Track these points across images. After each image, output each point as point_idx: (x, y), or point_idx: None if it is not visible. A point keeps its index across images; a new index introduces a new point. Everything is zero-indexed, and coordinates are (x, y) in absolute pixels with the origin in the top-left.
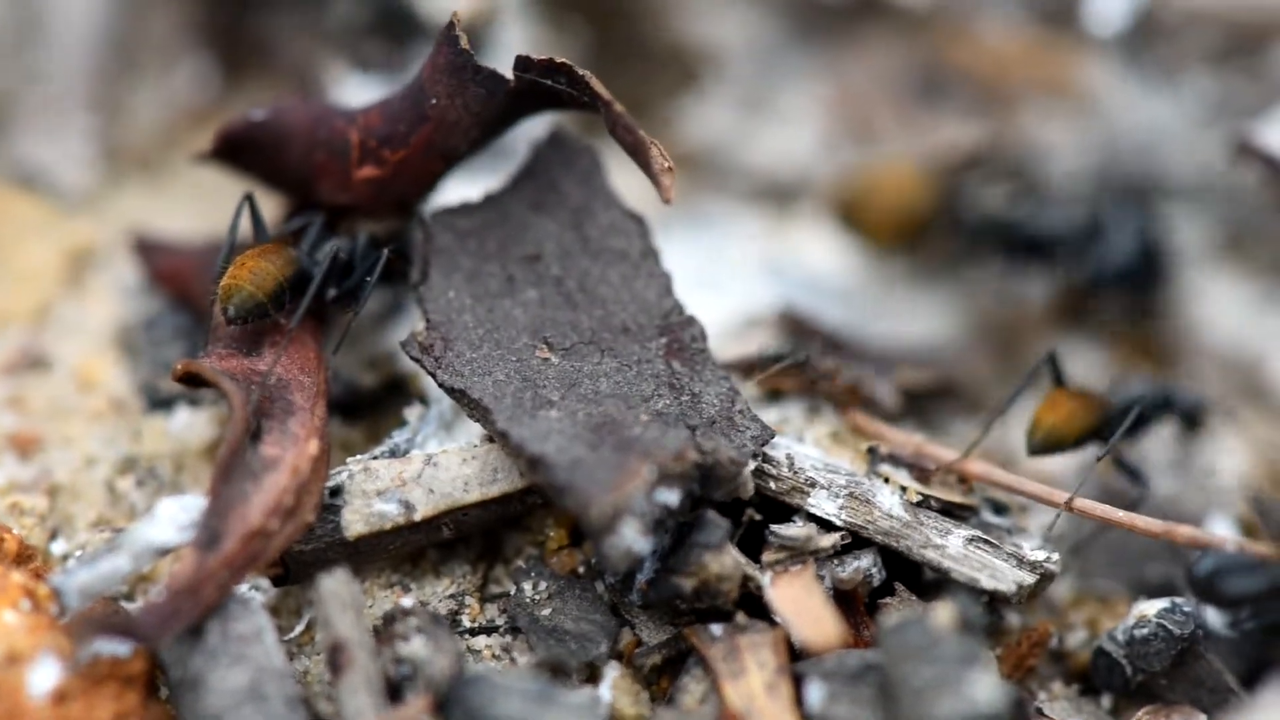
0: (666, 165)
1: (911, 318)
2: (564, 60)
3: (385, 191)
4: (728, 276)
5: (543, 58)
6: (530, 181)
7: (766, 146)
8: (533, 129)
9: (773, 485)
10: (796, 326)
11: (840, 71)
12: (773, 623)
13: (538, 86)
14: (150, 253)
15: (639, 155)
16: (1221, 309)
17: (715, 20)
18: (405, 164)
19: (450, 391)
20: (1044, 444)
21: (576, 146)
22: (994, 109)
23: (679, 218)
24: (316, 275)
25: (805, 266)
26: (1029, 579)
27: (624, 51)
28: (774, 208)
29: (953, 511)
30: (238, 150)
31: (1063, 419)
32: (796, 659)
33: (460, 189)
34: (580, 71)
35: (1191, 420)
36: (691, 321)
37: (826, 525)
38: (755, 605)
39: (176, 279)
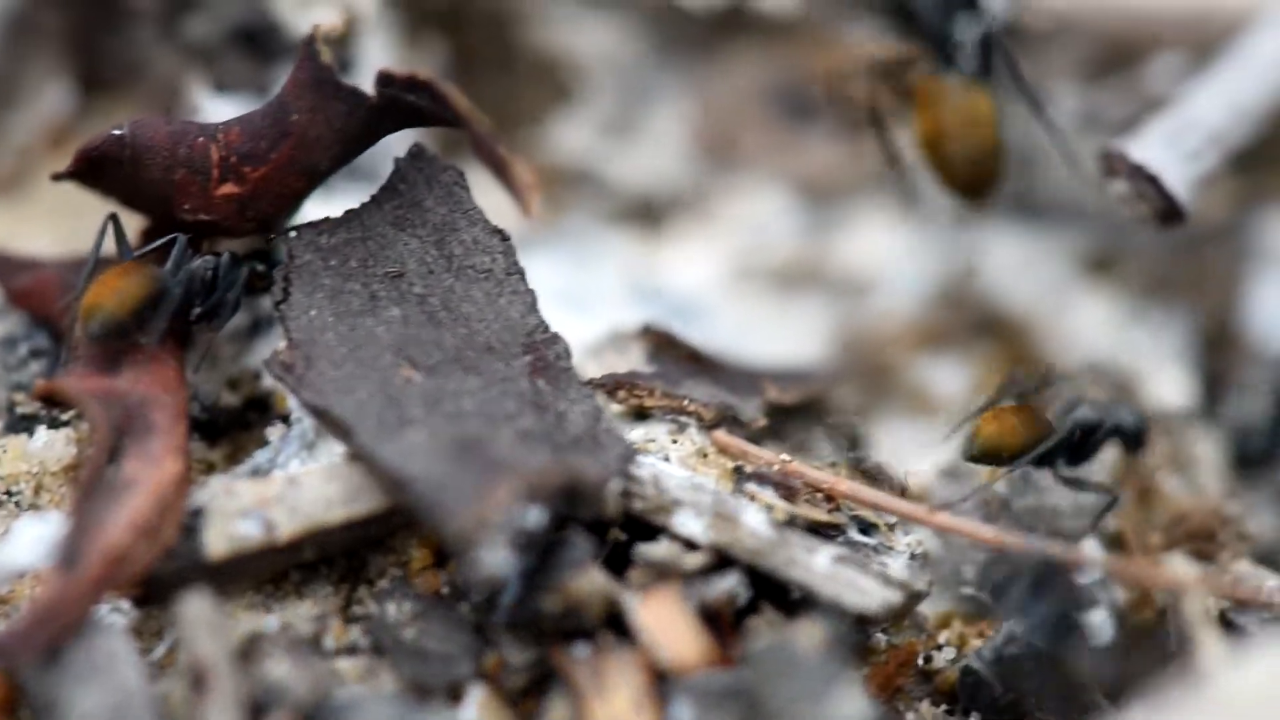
0: (529, 182)
1: (780, 338)
2: (426, 75)
3: (247, 209)
4: (594, 295)
5: (404, 73)
6: (393, 198)
7: (633, 164)
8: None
9: (638, 504)
10: (661, 344)
11: (705, 88)
12: (639, 643)
13: (400, 102)
14: (8, 271)
15: (501, 172)
16: (1092, 326)
17: (580, 33)
18: (266, 181)
19: (312, 410)
20: (981, 453)
21: (439, 162)
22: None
23: (545, 235)
24: (177, 293)
25: (673, 285)
26: (896, 598)
27: (491, 64)
28: (642, 226)
29: (820, 530)
30: (98, 169)
31: (1005, 431)
32: (663, 679)
33: (324, 207)
34: (441, 87)
35: (1135, 441)
36: (556, 340)
37: (692, 544)
38: (621, 625)
39: (35, 298)
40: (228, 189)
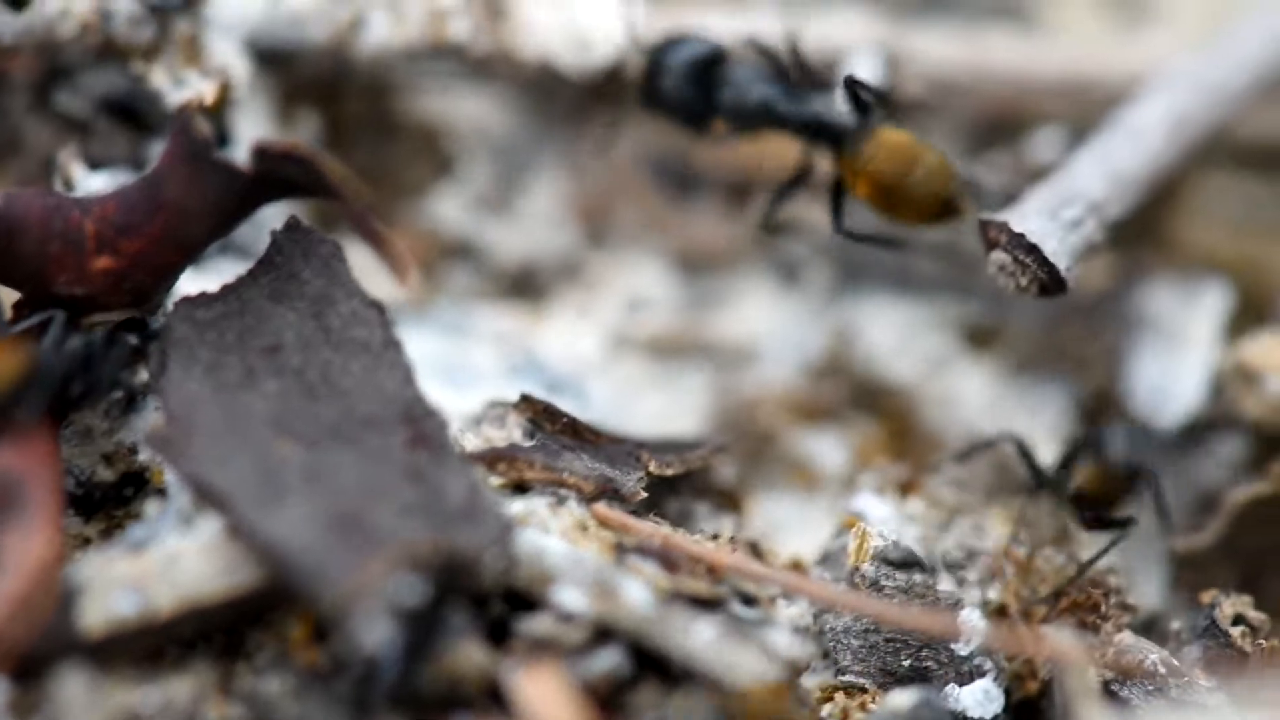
0: (405, 256)
1: (659, 410)
2: (301, 149)
3: (123, 283)
4: (472, 367)
5: (279, 146)
6: (269, 271)
7: (511, 236)
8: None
9: (518, 578)
10: (540, 416)
11: (581, 159)
12: (519, 717)
13: (276, 175)
14: None
15: (377, 246)
16: (974, 398)
17: (456, 103)
18: (142, 255)
19: (191, 483)
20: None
21: (316, 235)
22: (746, 201)
23: (423, 306)
24: (56, 371)
25: (552, 357)
26: (778, 671)
27: (366, 133)
28: (520, 298)
29: (702, 603)
30: None
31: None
32: None
33: (199, 279)
34: (317, 160)
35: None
36: (434, 412)
37: (573, 618)
38: (502, 699)
39: None
40: (103, 263)
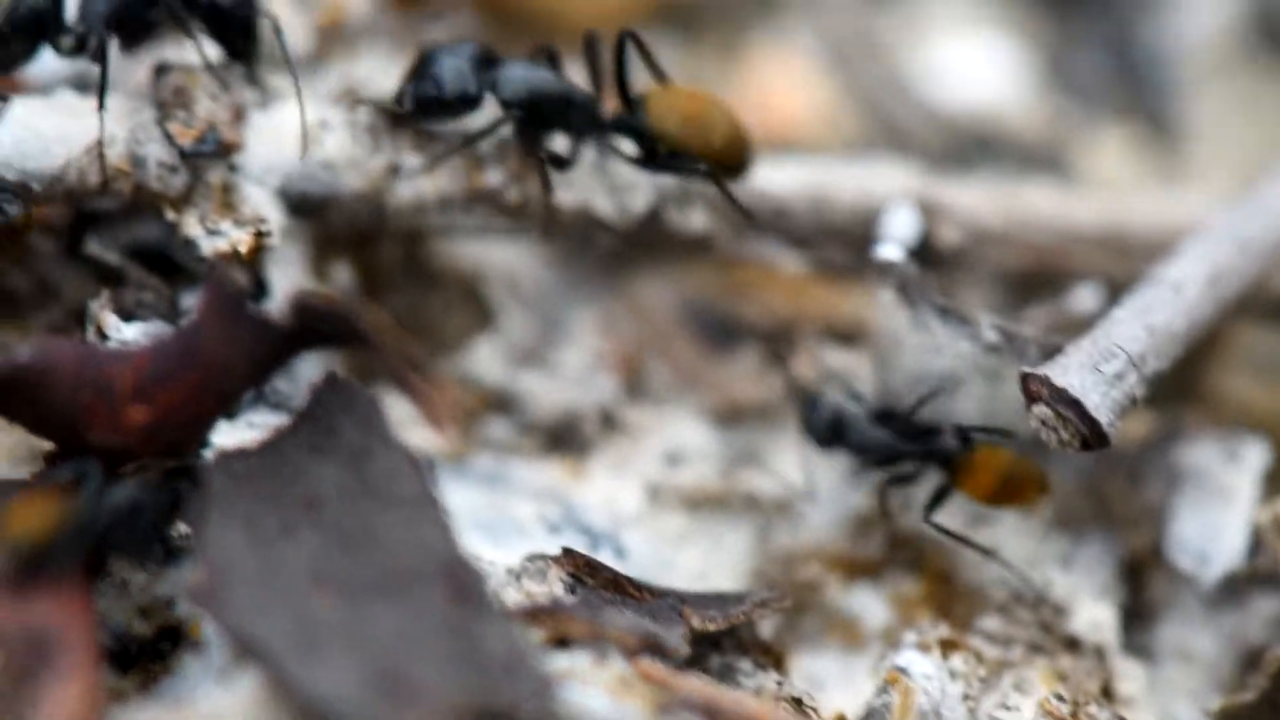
0: (445, 411)
1: (700, 564)
2: (337, 303)
3: (157, 434)
4: (511, 520)
5: (316, 301)
6: (308, 424)
7: (551, 390)
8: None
9: None
10: (581, 570)
11: (620, 310)
12: None
13: (313, 327)
14: None
15: (415, 399)
16: (1015, 554)
17: (493, 251)
18: (177, 406)
19: (231, 635)
20: None
21: (355, 388)
22: (786, 351)
23: (462, 458)
24: (95, 524)
25: (591, 511)
26: None
27: (401, 282)
28: (559, 451)
29: None
30: (3, 394)
31: None
32: None
33: (233, 428)
34: (356, 315)
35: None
36: (473, 567)
37: None
38: None
39: None
40: (137, 414)
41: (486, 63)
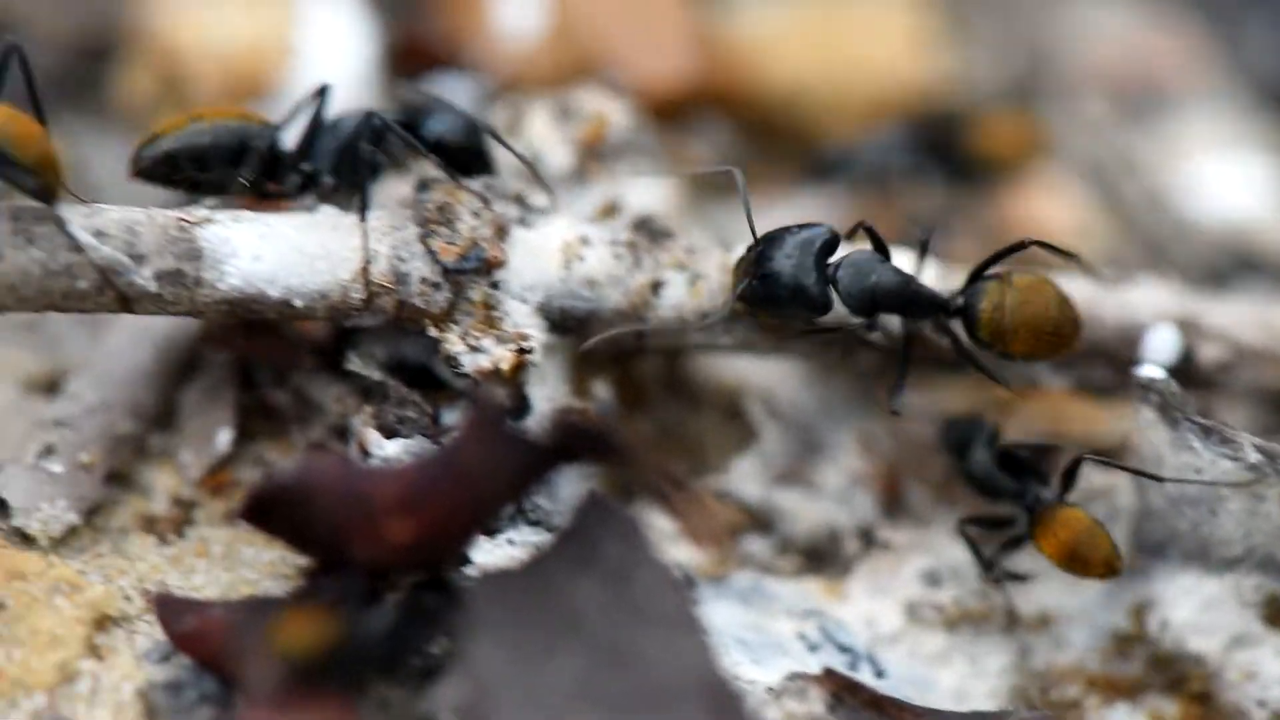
0: (705, 525)
1: (959, 687)
2: (598, 420)
3: (417, 550)
4: (771, 639)
5: (577, 417)
6: (570, 543)
7: (809, 509)
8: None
9: None
10: (843, 690)
11: (874, 436)
12: None
13: (572, 443)
14: (172, 613)
15: (676, 516)
16: (1273, 677)
17: (751, 370)
18: (439, 521)
19: None
20: None
21: (616, 509)
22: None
23: (722, 576)
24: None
25: (850, 631)
26: None
27: (666, 394)
28: (819, 570)
29: None
30: (268, 509)
31: None
32: None
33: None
34: (613, 433)
35: None
36: (733, 686)
37: None
38: None
39: (201, 642)
40: (399, 530)
41: (829, 248)
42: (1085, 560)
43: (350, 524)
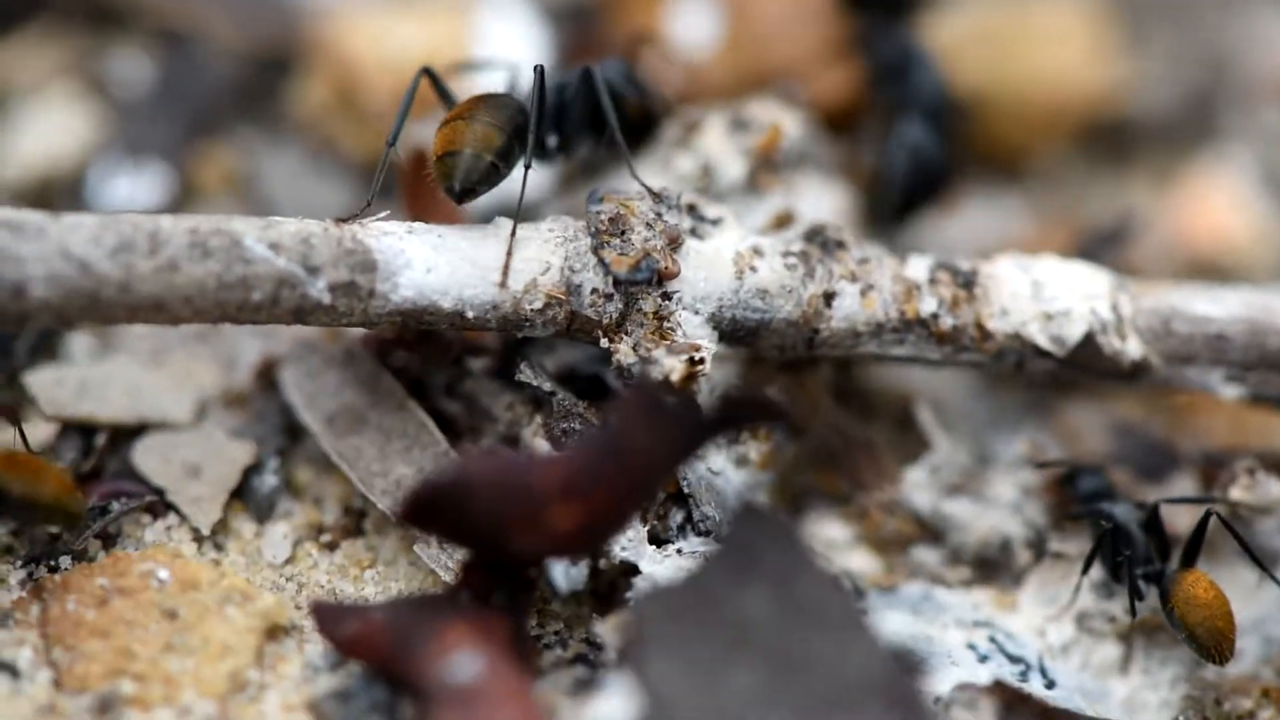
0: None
1: (1131, 698)
2: (770, 398)
3: (580, 536)
4: (940, 648)
5: (750, 398)
6: (731, 555)
7: (980, 519)
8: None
9: None
10: (1013, 701)
11: (1045, 446)
12: None
13: (739, 412)
14: (334, 619)
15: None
16: None
17: (927, 377)
18: (599, 507)
19: None
20: None
21: (774, 516)
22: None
23: (891, 586)
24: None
25: (1020, 641)
26: None
27: (838, 404)
28: (989, 580)
29: None
30: (427, 510)
31: None
32: None
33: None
34: (781, 402)
35: None
36: (914, 686)
37: None
38: None
39: (365, 646)
40: (565, 516)
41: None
42: (1204, 644)
43: (513, 515)
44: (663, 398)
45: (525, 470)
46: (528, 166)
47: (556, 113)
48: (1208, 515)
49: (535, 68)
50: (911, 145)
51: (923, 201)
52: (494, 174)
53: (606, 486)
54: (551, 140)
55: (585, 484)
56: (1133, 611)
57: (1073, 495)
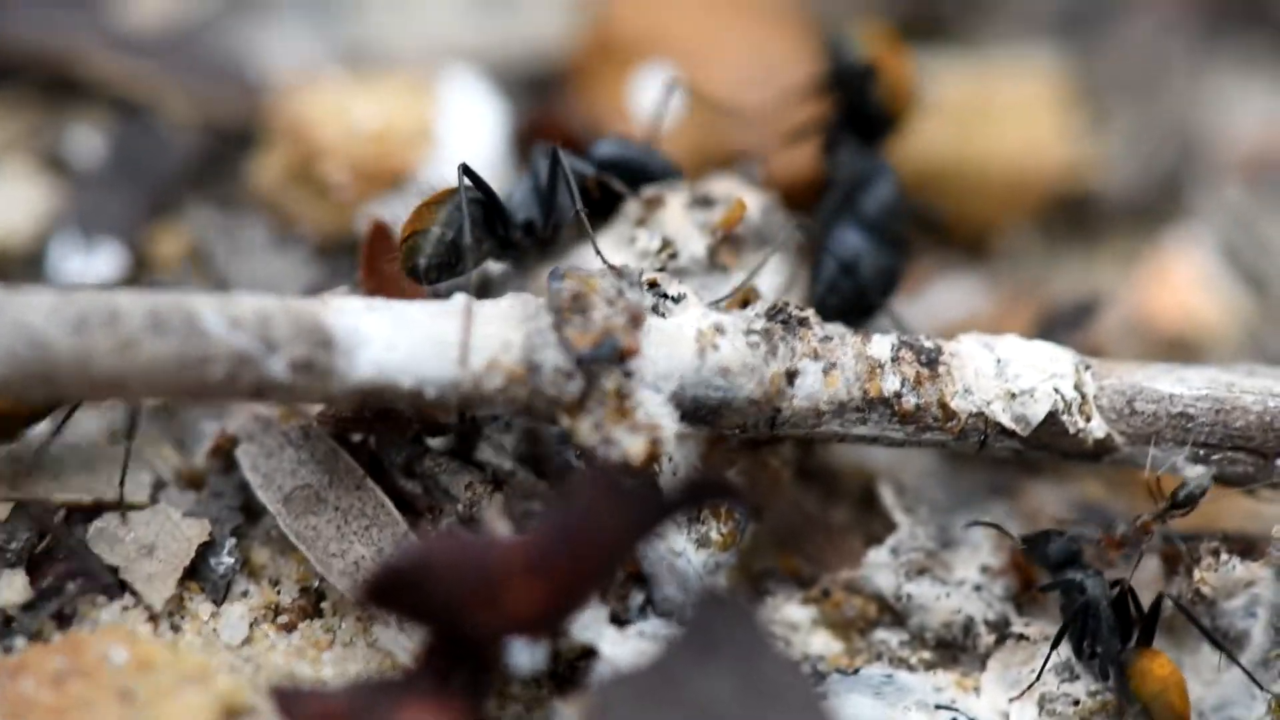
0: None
1: None
2: (734, 483)
3: (540, 616)
4: None
5: (710, 480)
6: (691, 639)
7: (943, 600)
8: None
9: None
10: None
11: (1008, 526)
12: None
13: (693, 500)
14: (293, 703)
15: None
16: None
17: (888, 456)
18: (560, 587)
19: None
20: None
21: (735, 601)
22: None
23: (853, 668)
24: None
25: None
26: None
27: (798, 482)
28: (953, 662)
29: None
30: (388, 593)
31: None
32: None
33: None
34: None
35: None
36: None
37: None
38: None
39: None
40: (521, 599)
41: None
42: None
43: (472, 595)
44: (622, 478)
45: (485, 550)
46: (473, 266)
47: (542, 198)
48: (1160, 597)
49: (460, 166)
50: (847, 256)
51: (853, 311)
52: (456, 255)
53: (567, 567)
54: (518, 231)
55: (545, 564)
56: (1104, 676)
57: (1042, 562)
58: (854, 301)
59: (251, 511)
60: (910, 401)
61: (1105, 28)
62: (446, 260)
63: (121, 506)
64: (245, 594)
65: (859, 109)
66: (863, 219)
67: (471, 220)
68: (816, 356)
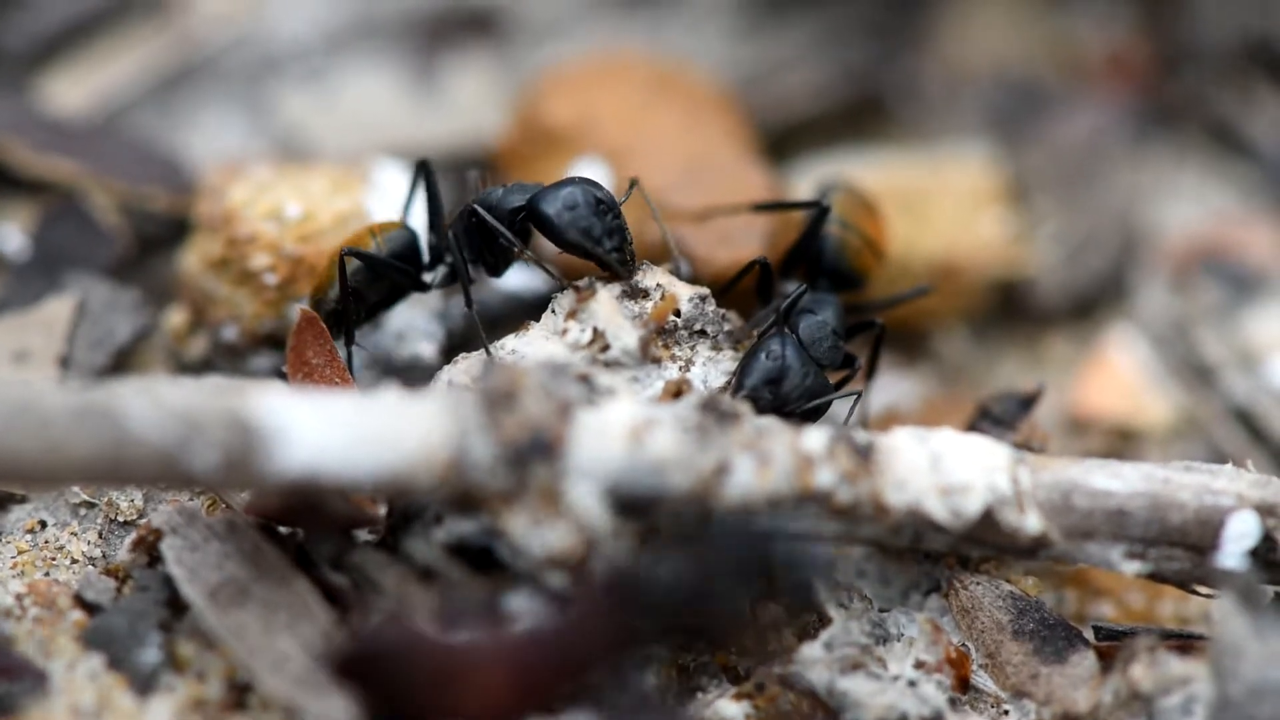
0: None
1: None
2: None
3: (503, 714)
4: None
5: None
6: None
7: (881, 699)
8: None
9: None
10: None
11: (943, 622)
12: None
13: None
14: None
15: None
16: None
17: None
18: (530, 689)
19: None
20: None
21: (662, 701)
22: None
23: None
24: None
25: None
26: None
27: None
28: None
29: None
30: (362, 671)
31: None
32: None
33: None
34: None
35: None
36: None
37: None
38: None
39: None
40: (483, 697)
41: None
42: None
43: (440, 686)
44: (608, 598)
45: (444, 644)
46: (350, 344)
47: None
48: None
49: (340, 252)
50: (772, 370)
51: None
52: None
53: (543, 672)
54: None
55: (523, 666)
56: None
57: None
58: (773, 412)
59: (177, 605)
60: (844, 494)
61: (1039, 125)
62: (339, 322)
63: None
64: (171, 688)
65: (828, 269)
66: (799, 336)
67: (363, 280)
68: (750, 448)
